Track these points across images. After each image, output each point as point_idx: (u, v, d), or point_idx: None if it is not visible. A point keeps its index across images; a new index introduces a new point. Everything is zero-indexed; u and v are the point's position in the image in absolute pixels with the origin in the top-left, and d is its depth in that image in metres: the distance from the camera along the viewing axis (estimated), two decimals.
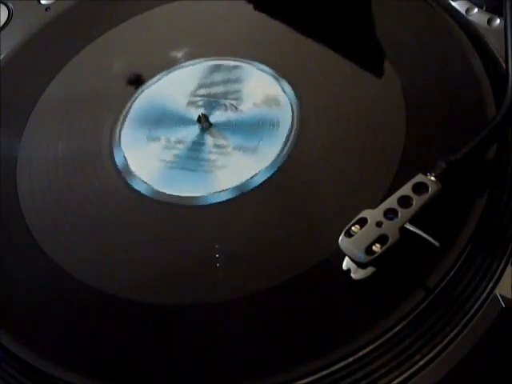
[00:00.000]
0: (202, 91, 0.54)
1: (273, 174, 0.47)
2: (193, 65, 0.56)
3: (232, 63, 0.55)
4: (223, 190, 0.47)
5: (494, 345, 0.38)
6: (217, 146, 0.50)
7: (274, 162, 0.48)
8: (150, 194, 0.48)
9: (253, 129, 0.51)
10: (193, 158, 0.50)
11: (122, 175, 0.50)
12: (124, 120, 0.54)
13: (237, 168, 0.48)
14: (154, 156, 0.51)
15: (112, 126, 0.54)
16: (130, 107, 0.55)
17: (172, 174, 0.49)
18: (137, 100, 0.55)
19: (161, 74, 0.56)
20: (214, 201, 0.47)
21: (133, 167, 0.51)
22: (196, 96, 0.54)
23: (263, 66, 0.54)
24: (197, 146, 0.51)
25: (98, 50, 0.60)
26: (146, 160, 0.51)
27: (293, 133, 0.49)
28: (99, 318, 0.43)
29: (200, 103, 0.53)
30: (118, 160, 0.51)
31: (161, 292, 0.43)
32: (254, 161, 0.48)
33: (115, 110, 0.55)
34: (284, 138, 0.49)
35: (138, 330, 0.42)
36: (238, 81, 0.54)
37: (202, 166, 0.49)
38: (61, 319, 0.43)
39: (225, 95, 0.53)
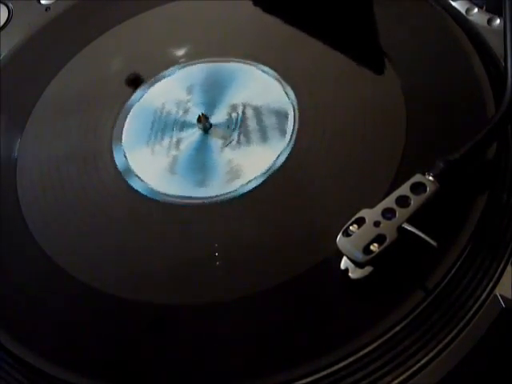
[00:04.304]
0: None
1: (272, 175, 0.47)
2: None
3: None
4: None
5: (493, 345, 0.38)
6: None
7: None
8: (150, 194, 0.49)
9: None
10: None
11: (122, 175, 0.50)
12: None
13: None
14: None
15: (112, 126, 0.54)
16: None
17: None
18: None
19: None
20: (214, 201, 0.47)
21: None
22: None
23: (263, 67, 0.54)
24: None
25: (98, 49, 0.60)
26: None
27: (293, 133, 0.49)
28: (99, 318, 0.43)
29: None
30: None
31: (161, 292, 0.43)
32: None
33: (115, 109, 0.55)
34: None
35: (138, 330, 0.42)
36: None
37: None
38: (61, 319, 0.43)
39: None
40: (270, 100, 0.52)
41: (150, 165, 0.50)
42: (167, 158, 0.51)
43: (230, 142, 0.50)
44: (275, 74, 0.53)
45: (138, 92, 0.56)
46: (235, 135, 0.51)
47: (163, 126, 0.53)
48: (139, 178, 0.50)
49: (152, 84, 0.56)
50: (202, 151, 0.50)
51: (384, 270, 0.39)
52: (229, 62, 0.55)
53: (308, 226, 0.44)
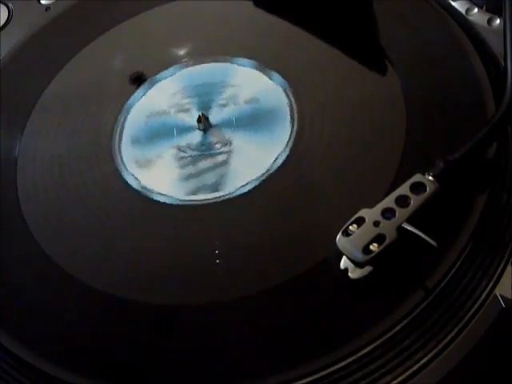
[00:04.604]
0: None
1: (272, 174, 0.47)
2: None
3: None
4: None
5: (494, 345, 0.38)
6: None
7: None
8: (150, 194, 0.49)
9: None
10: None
11: (122, 175, 0.50)
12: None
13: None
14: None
15: (112, 126, 0.54)
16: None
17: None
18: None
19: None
20: (214, 201, 0.47)
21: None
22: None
23: (264, 67, 0.54)
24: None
25: (98, 49, 0.60)
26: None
27: (292, 133, 0.49)
28: (99, 318, 0.43)
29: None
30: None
31: (161, 292, 0.43)
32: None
33: (115, 109, 0.55)
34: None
35: (138, 330, 0.42)
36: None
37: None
38: (61, 319, 0.43)
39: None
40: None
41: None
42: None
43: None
44: (274, 72, 0.53)
45: (139, 91, 0.56)
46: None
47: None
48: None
49: (152, 84, 0.56)
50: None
51: (384, 269, 0.39)
52: (229, 62, 0.55)
53: (308, 226, 0.44)
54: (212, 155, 0.50)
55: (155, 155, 0.51)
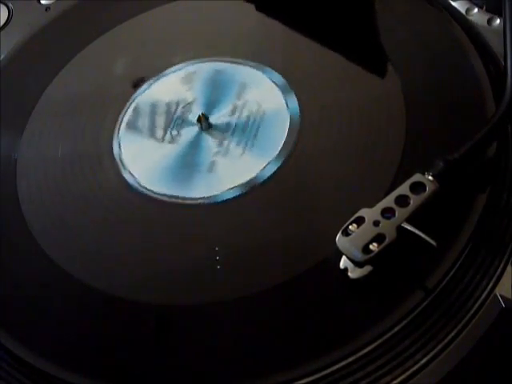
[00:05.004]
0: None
1: (272, 174, 0.47)
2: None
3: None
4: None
5: (493, 345, 0.38)
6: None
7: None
8: (150, 194, 0.48)
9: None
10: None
11: (122, 175, 0.50)
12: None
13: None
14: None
15: (112, 126, 0.54)
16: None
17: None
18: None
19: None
20: (214, 201, 0.47)
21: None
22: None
23: (264, 67, 0.54)
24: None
25: (98, 49, 0.60)
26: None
27: (292, 133, 0.49)
28: (99, 318, 0.43)
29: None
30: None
31: (161, 292, 0.43)
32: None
33: (115, 110, 0.55)
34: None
35: (137, 330, 0.42)
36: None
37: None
38: (61, 319, 0.43)
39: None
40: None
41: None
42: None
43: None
44: (274, 72, 0.53)
45: (139, 92, 0.56)
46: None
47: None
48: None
49: (153, 84, 0.56)
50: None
51: (383, 269, 0.39)
52: (229, 62, 0.55)
53: (308, 226, 0.44)
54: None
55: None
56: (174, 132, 0.52)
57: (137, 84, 0.56)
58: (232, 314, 0.41)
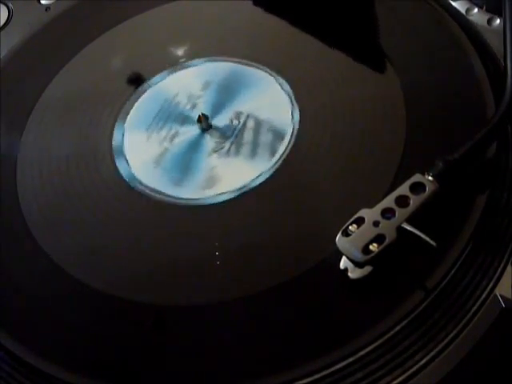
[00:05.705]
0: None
1: (272, 174, 0.47)
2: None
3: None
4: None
5: (494, 345, 0.38)
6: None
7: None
8: (151, 194, 0.48)
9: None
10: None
11: (122, 175, 0.50)
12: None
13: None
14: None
15: (112, 126, 0.54)
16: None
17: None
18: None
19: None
20: (214, 201, 0.47)
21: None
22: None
23: (264, 67, 0.54)
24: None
25: (98, 49, 0.60)
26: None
27: (292, 133, 0.49)
28: (99, 318, 0.43)
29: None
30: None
31: (161, 292, 0.43)
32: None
33: (115, 109, 0.55)
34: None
35: (137, 330, 0.42)
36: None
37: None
38: (61, 319, 0.43)
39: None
40: (269, 100, 0.52)
41: (150, 165, 0.50)
42: (168, 159, 0.51)
43: (230, 143, 0.50)
44: (274, 73, 0.53)
45: (139, 91, 0.55)
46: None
47: (164, 126, 0.53)
48: (139, 177, 0.50)
49: (153, 84, 0.56)
50: (201, 151, 0.50)
51: (383, 269, 0.39)
52: (229, 62, 0.55)
53: (308, 226, 0.44)
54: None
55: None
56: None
57: (137, 83, 0.56)
58: (232, 314, 0.41)
